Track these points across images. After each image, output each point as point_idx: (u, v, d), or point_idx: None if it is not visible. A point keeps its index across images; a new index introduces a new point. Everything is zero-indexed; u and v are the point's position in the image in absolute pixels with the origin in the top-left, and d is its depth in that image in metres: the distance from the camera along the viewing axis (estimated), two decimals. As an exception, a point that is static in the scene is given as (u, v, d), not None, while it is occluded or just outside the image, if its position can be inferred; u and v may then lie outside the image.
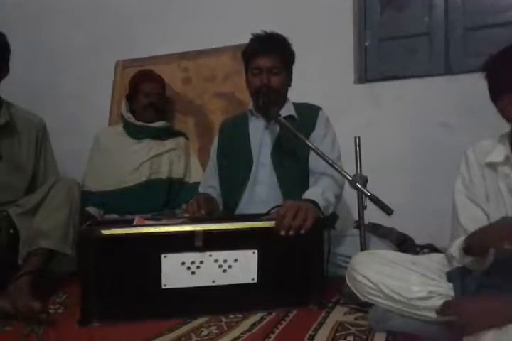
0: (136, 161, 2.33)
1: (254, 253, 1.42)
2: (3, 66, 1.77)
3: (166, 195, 2.32)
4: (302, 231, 1.39)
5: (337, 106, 2.29)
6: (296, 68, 1.92)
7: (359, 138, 1.63)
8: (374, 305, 1.26)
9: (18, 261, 1.59)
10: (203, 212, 1.66)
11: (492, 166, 1.25)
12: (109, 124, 2.72)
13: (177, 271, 1.38)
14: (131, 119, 2.41)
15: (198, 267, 1.40)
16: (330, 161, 1.58)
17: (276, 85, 1.82)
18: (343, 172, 1.56)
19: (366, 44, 2.65)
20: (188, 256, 1.39)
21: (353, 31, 2.59)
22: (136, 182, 2.29)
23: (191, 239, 1.38)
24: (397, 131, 2.42)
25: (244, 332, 1.27)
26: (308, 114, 1.90)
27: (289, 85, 1.92)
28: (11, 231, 1.67)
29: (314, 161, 1.79)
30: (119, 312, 1.38)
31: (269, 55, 1.80)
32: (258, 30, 1.85)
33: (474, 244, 1.13)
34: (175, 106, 2.69)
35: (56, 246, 1.60)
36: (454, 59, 2.45)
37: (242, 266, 1.42)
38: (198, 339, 1.23)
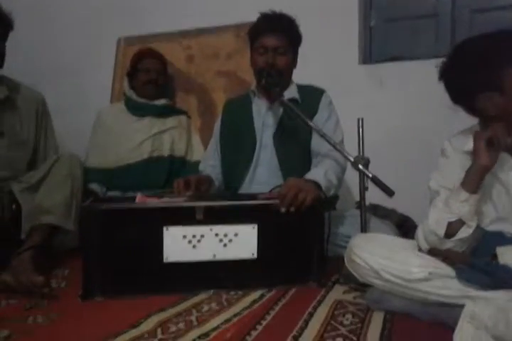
0: (137, 139, 2.33)
1: (254, 227, 1.44)
2: (2, 43, 1.75)
3: (167, 173, 2.33)
4: (303, 208, 1.41)
5: (340, 87, 2.27)
6: (300, 48, 1.89)
7: (362, 119, 1.63)
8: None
9: (21, 236, 1.61)
10: (189, 193, 1.66)
11: (470, 154, 1.26)
12: (111, 102, 2.71)
13: (178, 245, 1.40)
14: (133, 96, 2.41)
15: (198, 241, 1.42)
16: (332, 142, 1.58)
17: (281, 66, 1.79)
18: (345, 154, 1.56)
19: (371, 24, 2.61)
20: (190, 230, 1.41)
21: (359, 11, 2.54)
22: (138, 160, 2.30)
23: (192, 212, 1.40)
24: (401, 112, 2.40)
25: (245, 309, 1.29)
26: (312, 97, 1.88)
27: (294, 67, 1.90)
28: (14, 206, 1.69)
29: (317, 143, 1.79)
30: (121, 287, 1.40)
31: (276, 34, 1.77)
32: (262, 9, 1.83)
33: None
34: (177, 84, 2.67)
35: (58, 222, 1.61)
36: (460, 40, 2.42)
37: (243, 241, 1.44)
38: (199, 314, 1.25)
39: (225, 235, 1.43)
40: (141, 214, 1.40)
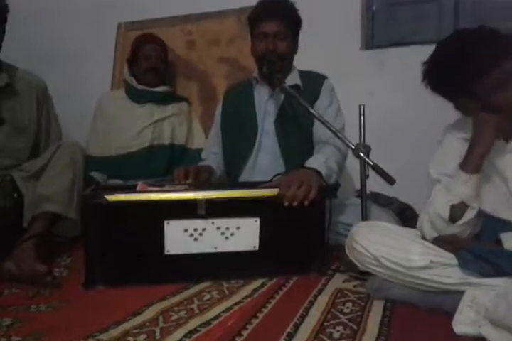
0: (138, 126, 2.32)
1: (256, 221, 1.43)
2: (1, 27, 1.74)
3: (168, 161, 2.32)
4: (306, 203, 1.40)
5: (342, 73, 2.25)
6: (301, 33, 1.87)
7: (363, 106, 1.61)
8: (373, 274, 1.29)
9: (23, 224, 1.61)
10: (188, 181, 1.65)
11: (466, 141, 1.28)
12: (112, 88, 2.69)
13: (180, 238, 1.40)
14: (133, 83, 2.39)
15: (200, 234, 1.41)
16: (333, 129, 1.57)
17: (282, 51, 1.77)
18: (347, 141, 1.55)
19: (374, 8, 2.58)
20: (191, 223, 1.41)
21: (361, -5, 2.51)
22: (139, 148, 2.29)
23: (194, 206, 1.39)
24: (402, 98, 2.38)
25: (245, 297, 1.30)
26: (314, 83, 1.86)
27: (295, 52, 1.88)
28: (16, 195, 1.69)
29: (318, 130, 1.78)
30: (122, 276, 1.40)
31: (275, 19, 1.75)
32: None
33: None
34: (178, 70, 2.64)
35: (60, 210, 1.61)
36: (463, 25, 2.38)
37: (244, 234, 1.44)
38: (200, 303, 1.26)
39: (227, 228, 1.43)
40: (143, 207, 1.39)
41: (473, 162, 1.22)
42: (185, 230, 1.40)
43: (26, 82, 1.91)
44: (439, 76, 1.30)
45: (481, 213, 1.23)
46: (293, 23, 1.81)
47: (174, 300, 1.29)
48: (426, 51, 2.37)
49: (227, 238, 1.43)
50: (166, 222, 1.39)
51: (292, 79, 1.85)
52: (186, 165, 2.25)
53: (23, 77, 1.91)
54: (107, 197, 1.37)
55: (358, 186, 1.62)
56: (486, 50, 1.19)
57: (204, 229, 1.41)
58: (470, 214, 1.20)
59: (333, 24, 2.46)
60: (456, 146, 1.32)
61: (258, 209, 1.44)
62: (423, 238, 1.27)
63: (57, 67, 2.86)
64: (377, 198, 2.02)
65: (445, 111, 2.29)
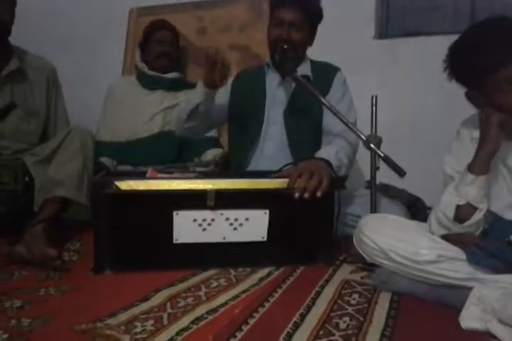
0: (149, 112, 2.33)
1: (265, 213, 1.43)
2: (11, 11, 1.73)
3: (178, 147, 2.33)
4: (318, 194, 1.38)
5: (354, 62, 2.23)
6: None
7: (376, 97, 1.60)
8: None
9: (34, 208, 1.63)
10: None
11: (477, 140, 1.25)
12: (123, 74, 2.69)
13: (188, 227, 1.41)
14: (144, 69, 2.39)
15: (209, 224, 1.42)
16: (344, 120, 1.56)
17: (295, 41, 1.74)
18: (358, 132, 1.54)
19: (389, -2, 2.55)
20: (200, 214, 1.41)
21: (376, -16, 2.48)
22: (149, 134, 2.30)
23: (203, 197, 1.39)
24: (415, 90, 2.36)
25: (253, 286, 1.31)
26: (325, 75, 1.84)
27: (310, 44, 1.85)
28: (27, 179, 1.70)
29: (328, 122, 1.76)
30: (131, 263, 1.42)
31: (295, 8, 1.71)
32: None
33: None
34: (189, 57, 2.64)
35: (71, 195, 1.62)
36: (479, 16, 2.35)
37: (253, 225, 1.43)
38: (207, 290, 1.27)
39: (236, 219, 1.42)
40: (153, 197, 1.40)
41: (480, 163, 1.19)
42: (194, 220, 1.41)
43: (36, 66, 1.92)
44: (459, 59, 1.26)
45: (489, 213, 1.22)
46: (312, 15, 1.77)
47: (182, 286, 1.30)
48: (440, 42, 2.33)
49: (235, 229, 1.43)
50: (175, 212, 1.39)
51: (303, 69, 1.82)
52: (198, 153, 2.28)
53: (34, 61, 1.92)
54: (117, 183, 1.38)
55: (367, 177, 1.61)
56: (508, 43, 1.16)
57: (213, 220, 1.41)
58: (477, 216, 1.17)
59: (347, 13, 2.43)
60: (471, 145, 1.29)
61: (267, 201, 1.43)
62: (432, 233, 1.26)
63: (69, 53, 2.86)
64: (387, 190, 2.01)
65: (457, 103, 2.26)
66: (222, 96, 1.88)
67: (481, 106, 1.25)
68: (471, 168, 1.20)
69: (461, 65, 1.25)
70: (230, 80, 1.90)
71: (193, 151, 2.32)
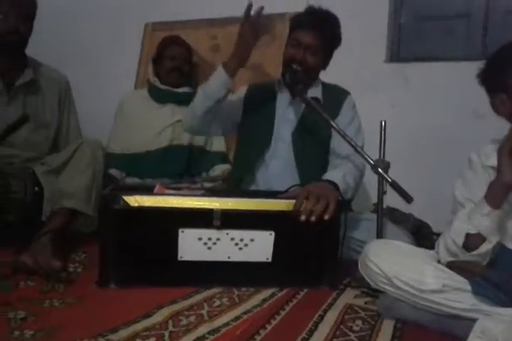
0: (158, 126, 2.35)
1: (271, 234, 1.43)
2: (29, 23, 1.76)
3: (186, 162, 2.34)
4: (326, 217, 1.38)
5: (365, 84, 2.25)
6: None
7: (385, 122, 1.59)
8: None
9: (42, 218, 1.64)
10: None
11: (494, 169, 1.25)
12: (136, 87, 2.73)
13: (193, 245, 1.42)
14: (156, 83, 2.42)
15: (214, 243, 1.42)
16: (353, 143, 1.57)
17: (309, 64, 1.74)
18: (366, 156, 1.54)
19: (401, 21, 2.58)
20: (205, 233, 1.42)
21: (389, 7, 2.51)
22: (158, 147, 2.32)
23: (210, 216, 1.40)
24: (424, 114, 2.38)
25: (255, 307, 1.30)
26: (336, 98, 1.84)
27: (324, 68, 1.84)
28: (36, 188, 1.71)
29: (337, 144, 1.77)
30: (135, 278, 1.42)
31: (313, 31, 1.71)
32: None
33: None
34: (201, 73, 2.66)
35: (79, 207, 1.63)
36: (492, 43, 2.36)
37: (258, 246, 1.44)
38: (210, 309, 1.27)
39: (241, 240, 1.43)
40: (159, 214, 1.41)
41: (496, 196, 1.18)
42: (200, 238, 1.41)
43: (50, 78, 1.94)
44: (490, 64, 1.30)
45: (497, 243, 1.21)
46: (331, 40, 1.76)
47: (185, 303, 1.30)
48: (452, 68, 2.37)
49: (240, 249, 1.44)
50: (180, 230, 1.40)
51: (314, 92, 1.82)
52: (206, 168, 2.29)
53: (47, 72, 1.94)
54: (125, 198, 1.39)
55: (374, 199, 1.61)
56: None
57: (218, 239, 1.42)
58: (486, 247, 1.18)
59: (359, 35, 2.45)
60: (483, 173, 1.29)
61: (273, 222, 1.44)
62: (439, 261, 1.26)
63: (81, 64, 2.90)
64: (393, 213, 2.01)
65: (467, 128, 2.28)
66: (236, 100, 1.87)
67: (508, 113, 1.26)
68: (487, 200, 1.19)
69: (496, 65, 1.28)
70: (242, 89, 1.92)
71: (202, 166, 2.34)
